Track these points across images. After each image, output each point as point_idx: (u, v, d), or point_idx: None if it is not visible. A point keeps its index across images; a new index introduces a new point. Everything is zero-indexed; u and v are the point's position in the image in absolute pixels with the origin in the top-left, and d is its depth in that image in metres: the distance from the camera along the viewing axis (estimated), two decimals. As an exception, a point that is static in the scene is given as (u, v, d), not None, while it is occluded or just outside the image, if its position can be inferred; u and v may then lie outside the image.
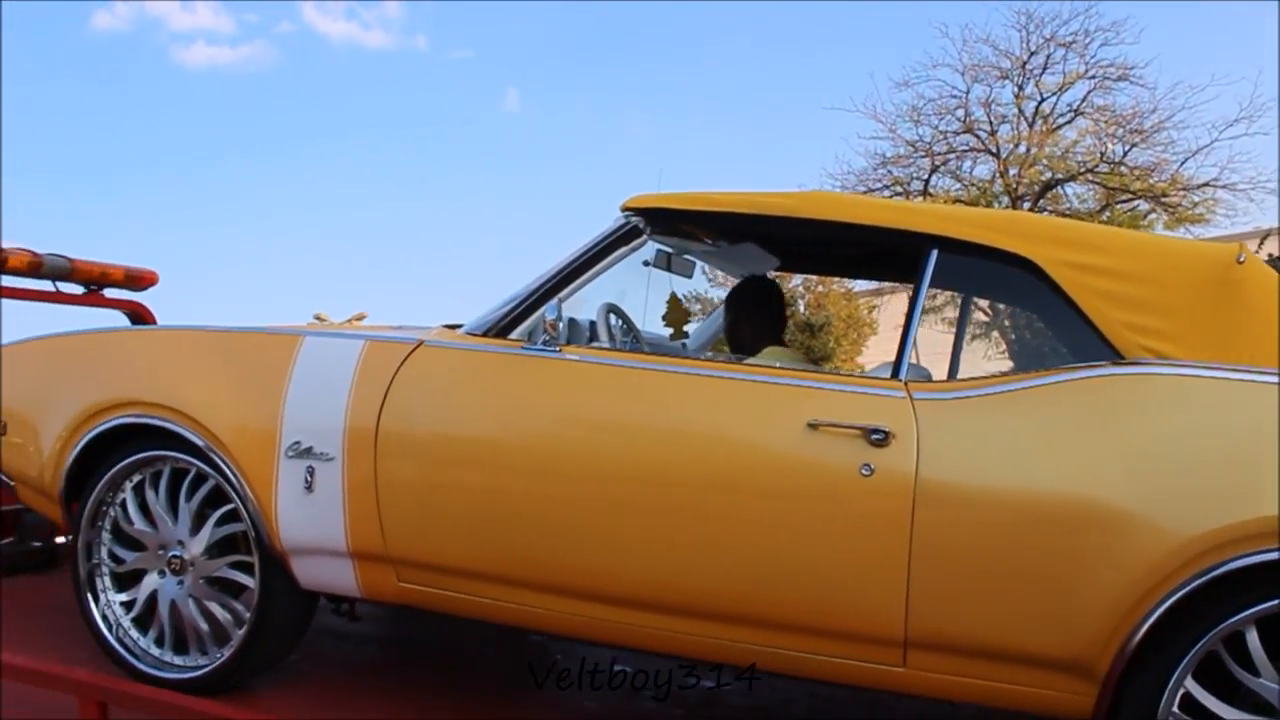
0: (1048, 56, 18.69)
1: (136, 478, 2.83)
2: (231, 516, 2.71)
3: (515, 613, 2.47)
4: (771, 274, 3.55)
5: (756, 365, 2.48)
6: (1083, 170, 18.54)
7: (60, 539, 4.14)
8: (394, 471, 2.48)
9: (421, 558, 2.51)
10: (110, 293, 4.50)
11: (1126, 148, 18.15)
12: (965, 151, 19.71)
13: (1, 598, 3.59)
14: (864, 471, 2.19)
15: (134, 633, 2.86)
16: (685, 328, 3.15)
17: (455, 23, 37.28)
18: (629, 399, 2.40)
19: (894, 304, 18.00)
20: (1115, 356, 2.23)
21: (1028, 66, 18.96)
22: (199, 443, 2.65)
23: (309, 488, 2.55)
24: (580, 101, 32.69)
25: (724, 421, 2.32)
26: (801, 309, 20.10)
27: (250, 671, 2.75)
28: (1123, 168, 18.25)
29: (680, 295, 3.17)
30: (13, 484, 3.09)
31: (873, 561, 2.19)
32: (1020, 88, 19.29)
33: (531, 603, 2.43)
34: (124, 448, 2.81)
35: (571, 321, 2.63)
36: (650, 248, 2.81)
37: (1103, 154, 18.36)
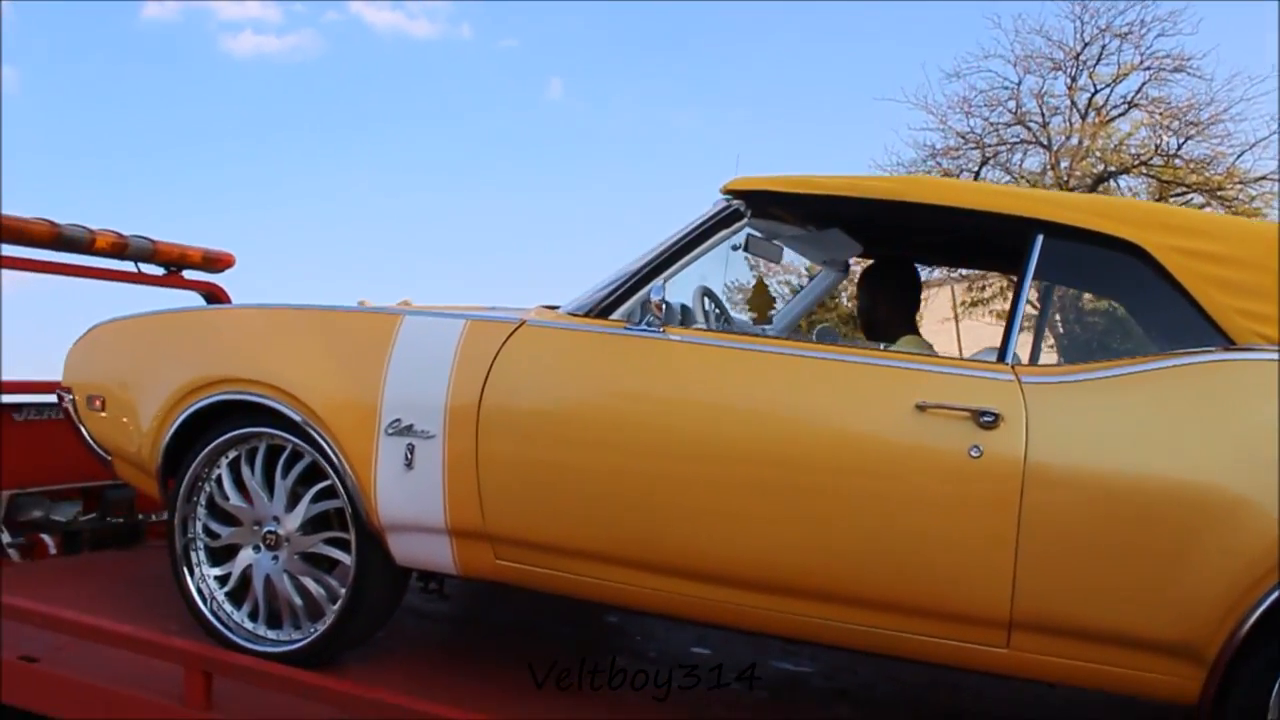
0: (1102, 47, 18.41)
1: (232, 454, 2.88)
2: (327, 493, 2.75)
3: (613, 590, 2.49)
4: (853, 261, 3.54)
5: (862, 348, 2.48)
6: (1136, 163, 18.26)
7: (142, 515, 4.22)
8: (495, 449, 2.49)
9: (520, 535, 2.53)
10: (188, 275, 4.57)
11: (1181, 140, 17.85)
12: (1016, 144, 19.46)
13: (90, 572, 3.67)
14: (973, 453, 2.18)
15: (228, 606, 2.91)
16: (770, 313, 3.15)
17: (500, 12, 37.36)
18: (735, 380, 2.41)
19: (939, 298, 17.81)
20: (1226, 342, 2.21)
21: (1081, 57, 18.69)
22: (297, 419, 2.69)
23: (409, 465, 2.58)
24: (625, 92, 32.64)
25: (832, 403, 2.32)
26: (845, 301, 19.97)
27: (343, 646, 2.79)
28: (1177, 160, 17.94)
29: (762, 280, 3.16)
30: (110, 459, 3.15)
31: (980, 542, 2.19)
32: (1073, 79, 19.00)
33: (630, 581, 2.45)
34: (221, 424, 2.86)
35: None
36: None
37: (1157, 146, 18.07)
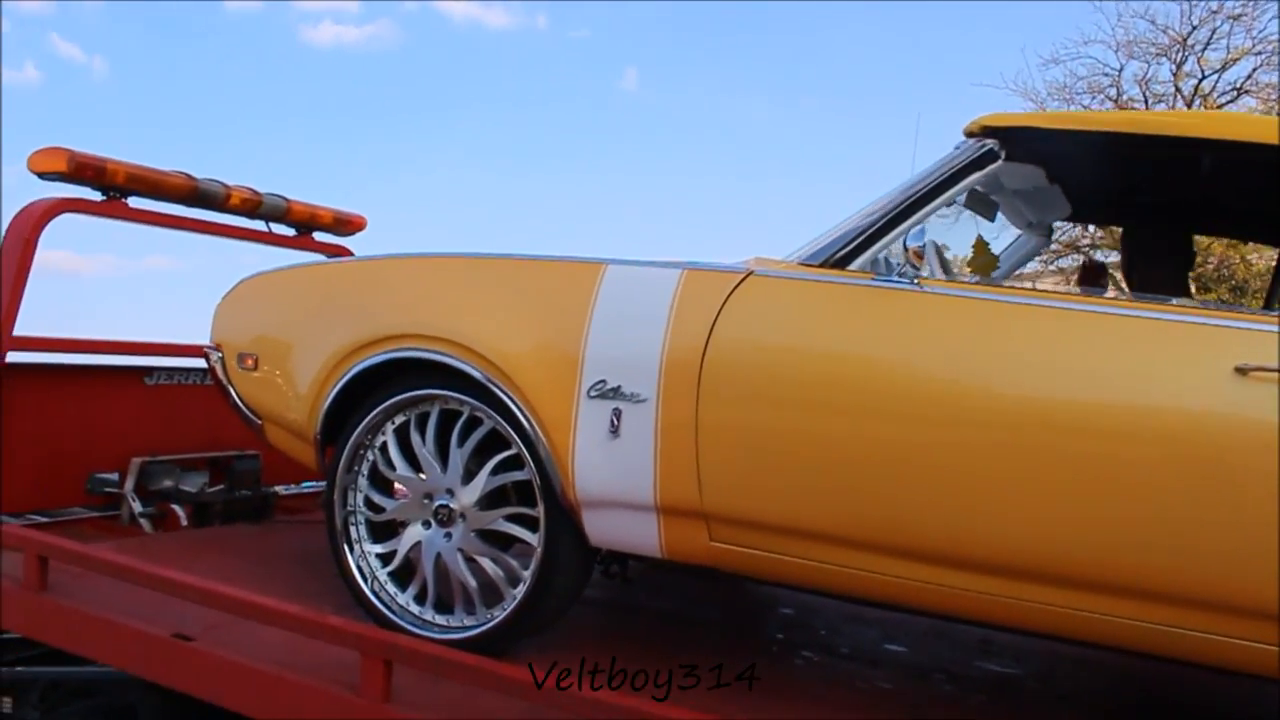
0: (1213, 31, 17.62)
1: (400, 419, 2.61)
2: (509, 465, 2.46)
3: (850, 578, 2.16)
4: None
5: (1161, 303, 2.10)
6: (1248, 152, 17.38)
7: (267, 488, 4.00)
8: (719, 415, 2.18)
9: (743, 513, 2.21)
10: (317, 237, 4.35)
11: (1297, 128, 16.95)
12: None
13: (226, 546, 3.44)
14: None
15: (391, 587, 2.64)
16: (992, 272, 2.79)
17: (575, 2, 37.13)
18: (1008, 337, 2.06)
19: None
20: None
21: (1188, 42, 17.92)
22: (480, 378, 2.40)
23: (614, 432, 2.28)
24: (698, 81, 32.18)
25: (1130, 363, 1.96)
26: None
27: (522, 634, 2.51)
28: (1292, 149, 17.05)
29: (982, 237, 2.80)
30: (260, 423, 2.90)
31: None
32: (1179, 65, 18.27)
33: (872, 567, 2.12)
34: (388, 386, 2.59)
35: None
36: None
37: (1271, 134, 17.18)
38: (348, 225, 4.34)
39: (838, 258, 2.24)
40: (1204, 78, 18.06)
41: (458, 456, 2.50)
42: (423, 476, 2.55)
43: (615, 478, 2.29)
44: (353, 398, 2.65)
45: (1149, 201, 2.84)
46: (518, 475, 2.46)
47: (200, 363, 3.73)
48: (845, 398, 2.10)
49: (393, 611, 2.61)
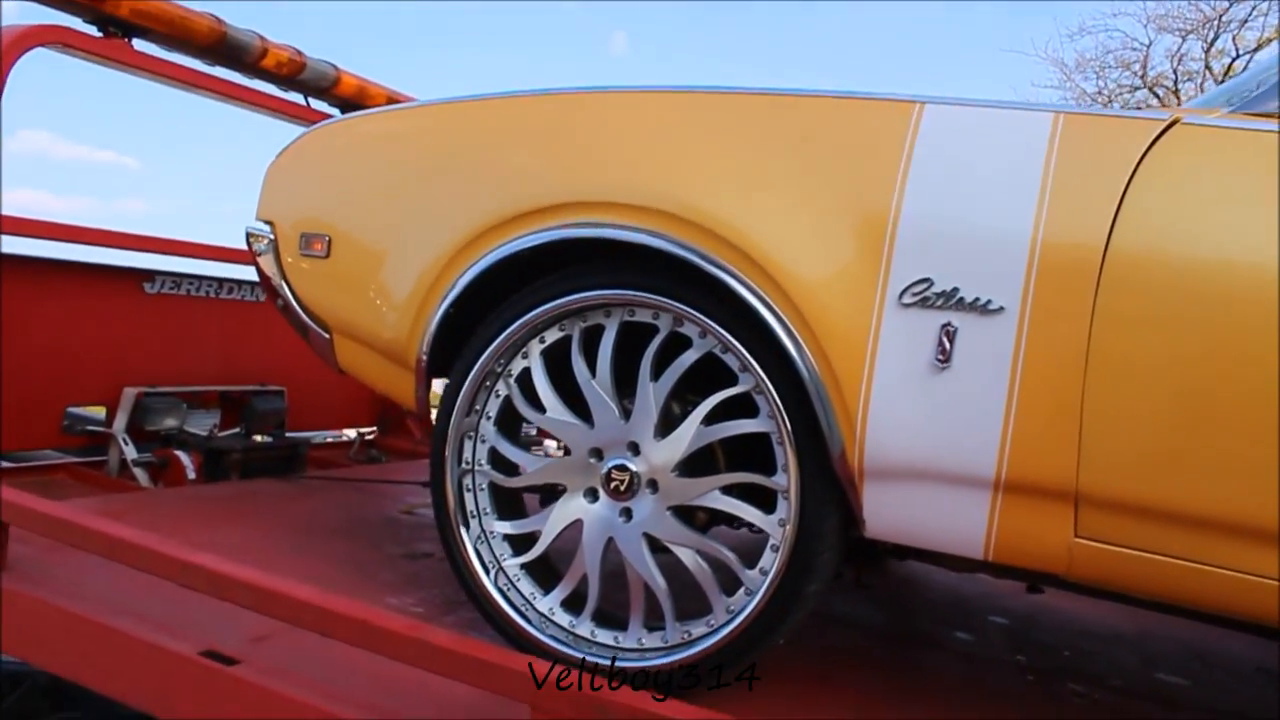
0: (1253, 8, 16.91)
1: (553, 336, 1.73)
2: (740, 407, 1.60)
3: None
4: None
5: None
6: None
7: (301, 434, 3.11)
8: (1129, 342, 1.32)
9: (1149, 497, 1.34)
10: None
11: (1329, 113, 16.36)
12: (1142, 107, 18.02)
13: (251, 511, 2.55)
14: None
15: (526, 584, 1.78)
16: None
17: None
18: None
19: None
20: None
21: (1224, 19, 17.23)
22: (710, 271, 1.53)
23: (941, 360, 1.41)
24: (688, 48, 31.19)
25: None
26: None
27: (736, 663, 1.65)
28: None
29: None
30: (327, 338, 2.01)
31: None
32: (1211, 43, 17.60)
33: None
34: (536, 286, 1.71)
35: None
36: None
37: (1303, 118, 16.59)
38: (403, 109, 3.42)
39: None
40: (1238, 56, 17.40)
41: (651, 394, 1.63)
42: (585, 425, 1.68)
43: (937, 433, 1.43)
44: (478, 304, 1.77)
45: None
46: (748, 425, 1.59)
47: (218, 269, 2.82)
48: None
49: (528, 621, 1.75)
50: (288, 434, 3.13)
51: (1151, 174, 1.36)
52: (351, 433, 3.75)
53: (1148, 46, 17.78)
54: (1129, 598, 1.54)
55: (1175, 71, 17.65)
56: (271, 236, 2.02)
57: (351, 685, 1.57)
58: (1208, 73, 17.68)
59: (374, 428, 3.77)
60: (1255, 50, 17.26)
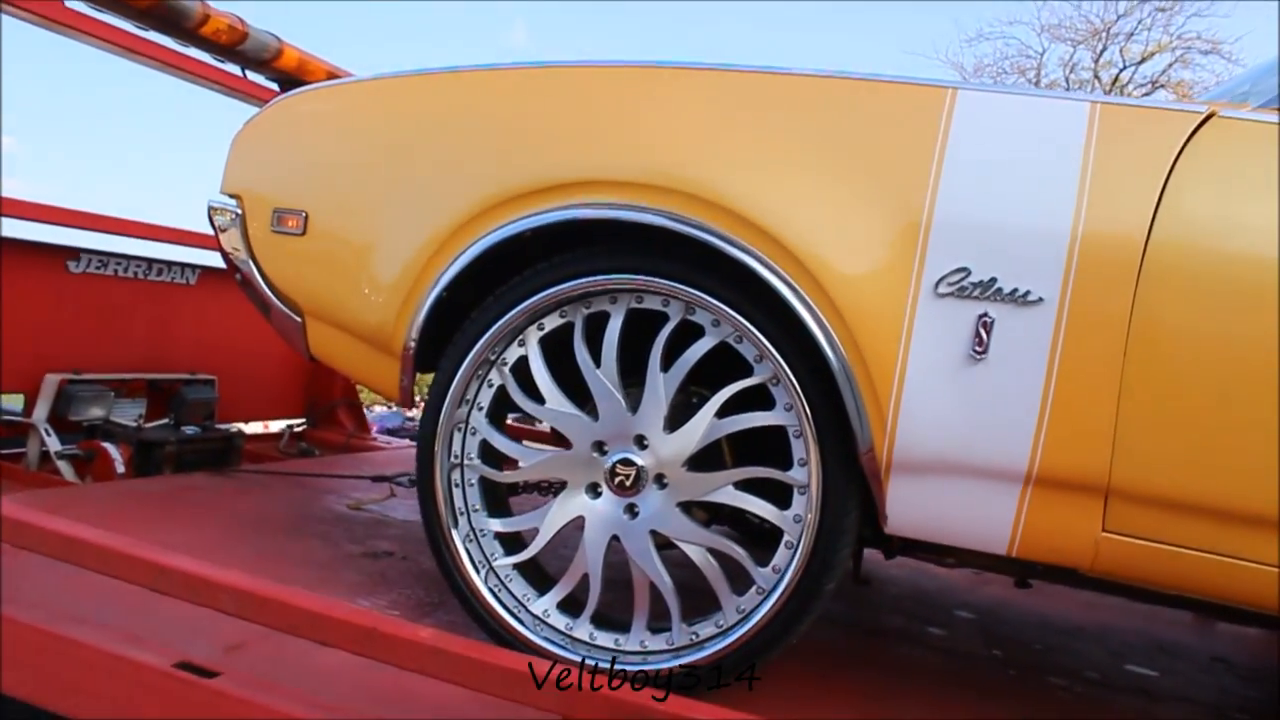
0: (1138, 21, 17.68)
1: (552, 323, 1.64)
2: (756, 398, 1.54)
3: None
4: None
5: None
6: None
7: (232, 425, 2.93)
8: (1175, 334, 1.31)
9: (1190, 494, 1.33)
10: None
11: (1204, 126, 17.25)
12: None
13: (193, 508, 2.39)
14: None
15: (518, 585, 1.69)
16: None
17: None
18: None
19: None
20: None
21: (1113, 30, 17.97)
22: (734, 254, 1.46)
23: (977, 351, 1.38)
24: (583, 40, 31.22)
25: None
26: None
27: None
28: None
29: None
30: (298, 321, 1.87)
31: None
32: (1099, 54, 18.33)
33: None
34: (536, 270, 1.62)
35: None
36: None
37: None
38: (343, 85, 3.26)
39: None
40: (1124, 67, 18.16)
41: (661, 385, 1.56)
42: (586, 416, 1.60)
43: (970, 425, 1.39)
44: (466, 290, 1.67)
45: None
46: (766, 418, 1.53)
47: (148, 249, 2.64)
48: None
49: (522, 623, 1.66)
50: (217, 425, 2.95)
51: (1192, 166, 1.35)
52: (278, 424, 3.57)
53: (1042, 54, 18.40)
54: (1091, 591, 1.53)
55: (1067, 79, 18.31)
56: (238, 211, 1.87)
57: (340, 694, 1.46)
58: (1096, 81, 18.40)
59: (303, 420, 3.60)
60: (1140, 62, 18.05)
